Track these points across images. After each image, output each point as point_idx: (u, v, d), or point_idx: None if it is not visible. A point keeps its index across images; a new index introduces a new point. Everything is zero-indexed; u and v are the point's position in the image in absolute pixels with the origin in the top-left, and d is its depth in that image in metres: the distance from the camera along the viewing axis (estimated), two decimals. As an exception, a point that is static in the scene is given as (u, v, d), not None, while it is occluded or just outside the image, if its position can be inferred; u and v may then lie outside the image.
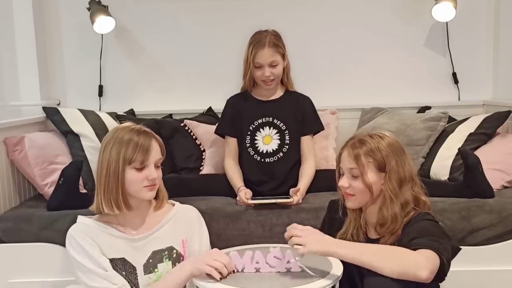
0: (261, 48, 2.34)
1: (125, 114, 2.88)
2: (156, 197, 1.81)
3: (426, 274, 1.42)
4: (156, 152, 1.73)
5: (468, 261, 2.03)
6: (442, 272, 1.49)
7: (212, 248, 1.89)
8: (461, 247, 1.98)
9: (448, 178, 2.33)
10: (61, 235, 1.97)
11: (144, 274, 1.72)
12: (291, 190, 2.21)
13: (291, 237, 1.57)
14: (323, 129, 2.50)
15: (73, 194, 2.17)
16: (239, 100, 2.48)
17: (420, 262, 1.43)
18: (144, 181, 1.70)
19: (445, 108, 2.70)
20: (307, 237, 1.55)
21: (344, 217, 1.78)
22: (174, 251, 1.76)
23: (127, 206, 1.71)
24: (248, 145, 2.40)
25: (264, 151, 2.39)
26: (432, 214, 1.65)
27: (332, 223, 1.84)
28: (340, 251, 1.51)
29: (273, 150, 2.39)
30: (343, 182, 1.68)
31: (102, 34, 2.97)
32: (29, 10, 2.89)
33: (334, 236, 1.66)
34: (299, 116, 2.43)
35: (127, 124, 1.78)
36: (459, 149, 2.21)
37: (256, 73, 2.37)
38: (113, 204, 1.69)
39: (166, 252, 1.75)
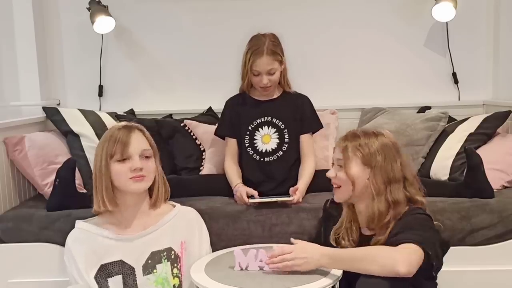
0: (259, 56, 2.32)
1: (125, 114, 2.88)
2: (150, 195, 1.81)
3: (403, 269, 1.44)
4: (138, 143, 1.74)
5: (468, 261, 2.03)
6: (430, 265, 1.51)
7: (212, 249, 1.89)
8: (460, 246, 1.99)
9: (448, 178, 2.33)
10: (61, 235, 1.98)
11: (143, 275, 1.72)
12: (291, 189, 2.21)
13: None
14: (322, 127, 2.49)
15: (71, 194, 2.17)
16: (237, 101, 2.48)
17: (396, 258, 1.46)
18: (128, 172, 1.71)
19: (445, 108, 2.70)
20: (296, 259, 1.59)
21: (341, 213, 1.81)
22: (173, 252, 1.77)
23: (111, 202, 1.72)
24: (247, 144, 2.40)
25: (263, 151, 2.39)
26: (423, 209, 1.66)
27: (328, 219, 1.86)
28: (328, 266, 1.59)
29: (272, 149, 2.39)
30: (330, 172, 1.74)
31: (102, 34, 2.97)
32: (29, 10, 2.89)
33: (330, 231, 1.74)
34: (298, 115, 2.42)
35: (118, 123, 1.83)
36: (465, 147, 2.21)
37: (254, 80, 2.38)
38: (100, 201, 1.72)
39: (165, 253, 1.76)
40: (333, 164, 1.76)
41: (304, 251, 1.60)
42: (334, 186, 1.75)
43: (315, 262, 1.58)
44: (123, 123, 1.80)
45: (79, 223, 1.79)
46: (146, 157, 1.75)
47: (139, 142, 1.74)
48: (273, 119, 2.41)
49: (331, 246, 1.74)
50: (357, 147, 1.68)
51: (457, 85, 3.00)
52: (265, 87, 2.37)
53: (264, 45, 2.34)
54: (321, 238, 1.88)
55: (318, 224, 2.07)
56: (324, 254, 1.59)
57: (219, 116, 2.62)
